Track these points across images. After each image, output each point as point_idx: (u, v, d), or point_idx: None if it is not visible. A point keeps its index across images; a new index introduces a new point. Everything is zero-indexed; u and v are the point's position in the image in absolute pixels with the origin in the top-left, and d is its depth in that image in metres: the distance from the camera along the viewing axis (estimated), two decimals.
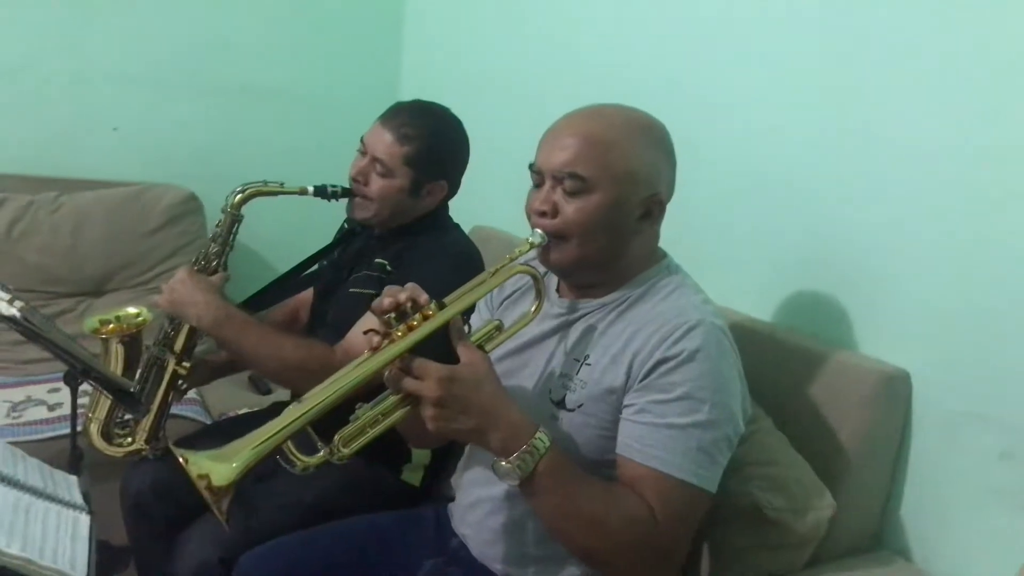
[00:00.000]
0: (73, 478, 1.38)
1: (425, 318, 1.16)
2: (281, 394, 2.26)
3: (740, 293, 1.71)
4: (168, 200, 2.70)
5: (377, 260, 1.78)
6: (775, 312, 1.69)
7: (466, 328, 1.23)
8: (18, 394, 2.34)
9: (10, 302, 1.48)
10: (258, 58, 2.92)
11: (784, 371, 1.53)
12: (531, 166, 1.30)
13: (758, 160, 1.75)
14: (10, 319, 1.48)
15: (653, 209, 1.28)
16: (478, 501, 1.38)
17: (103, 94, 2.75)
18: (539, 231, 1.27)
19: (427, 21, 3.02)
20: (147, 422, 1.77)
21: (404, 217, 1.80)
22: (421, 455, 1.81)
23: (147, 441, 1.77)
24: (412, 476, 1.82)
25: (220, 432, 2.04)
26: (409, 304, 1.17)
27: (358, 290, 1.77)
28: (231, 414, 2.32)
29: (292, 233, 2.40)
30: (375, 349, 1.15)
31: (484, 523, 1.37)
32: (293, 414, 1.10)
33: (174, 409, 1.87)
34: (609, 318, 1.29)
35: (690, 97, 1.86)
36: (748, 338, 1.42)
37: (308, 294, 2.01)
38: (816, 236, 1.63)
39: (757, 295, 1.71)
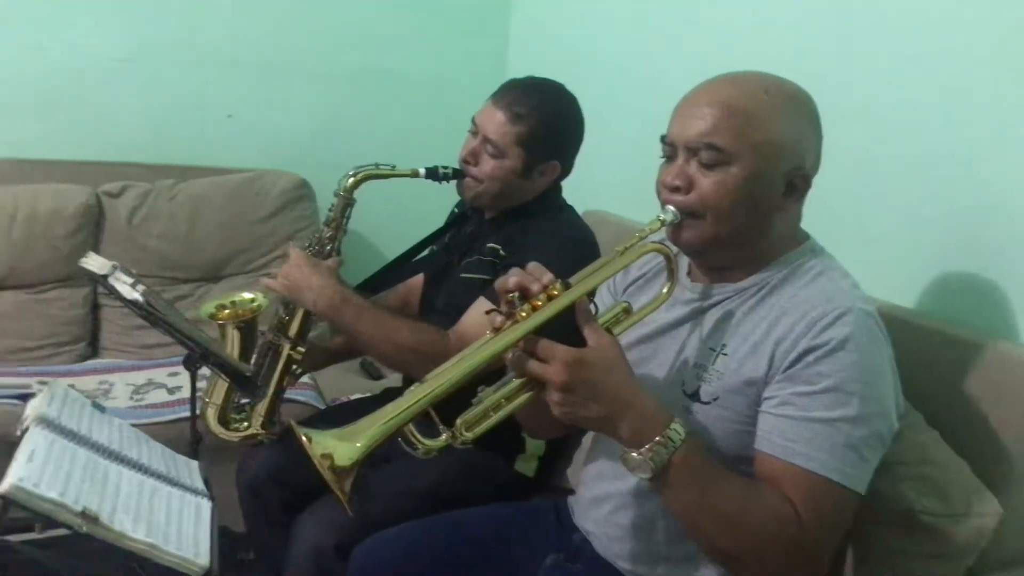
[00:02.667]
0: (194, 463, 1.39)
1: (550, 298, 1.09)
2: (393, 379, 2.24)
3: (881, 278, 1.57)
4: (281, 186, 2.72)
5: (489, 244, 1.73)
6: (922, 298, 1.55)
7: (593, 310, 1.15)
8: (140, 377, 2.40)
9: (133, 286, 1.49)
10: (368, 42, 2.91)
11: (935, 363, 1.39)
12: (663, 138, 1.22)
13: (910, 133, 1.60)
14: (133, 303, 1.49)
15: (797, 184, 1.18)
16: (604, 496, 1.31)
17: (218, 82, 2.79)
18: (671, 208, 1.18)
19: (535, 3, 2.95)
20: (263, 407, 1.77)
21: (516, 199, 1.74)
22: (535, 445, 1.76)
23: (263, 426, 1.78)
24: (526, 466, 1.77)
25: (333, 417, 2.03)
26: (534, 284, 1.10)
27: (470, 275, 1.73)
28: (343, 399, 2.32)
29: (403, 217, 2.37)
30: (498, 330, 1.09)
31: (610, 519, 1.30)
32: (416, 395, 1.05)
33: (288, 394, 1.87)
34: (748, 304, 1.20)
35: (831, 66, 1.71)
36: (892, 327, 1.30)
37: (418, 279, 1.98)
38: (973, 216, 1.48)
39: (901, 280, 1.57)
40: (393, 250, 2.00)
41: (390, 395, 1.92)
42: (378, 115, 2.95)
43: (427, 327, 1.66)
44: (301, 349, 1.77)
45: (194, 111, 2.78)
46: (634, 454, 1.07)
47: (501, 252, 1.69)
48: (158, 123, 2.75)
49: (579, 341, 1.09)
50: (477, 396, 1.10)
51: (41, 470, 1.07)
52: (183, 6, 2.70)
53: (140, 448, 1.30)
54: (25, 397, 2.14)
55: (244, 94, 2.82)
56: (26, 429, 1.16)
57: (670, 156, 1.21)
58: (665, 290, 1.20)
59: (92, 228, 2.53)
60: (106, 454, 1.21)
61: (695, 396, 1.19)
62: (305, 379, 2.17)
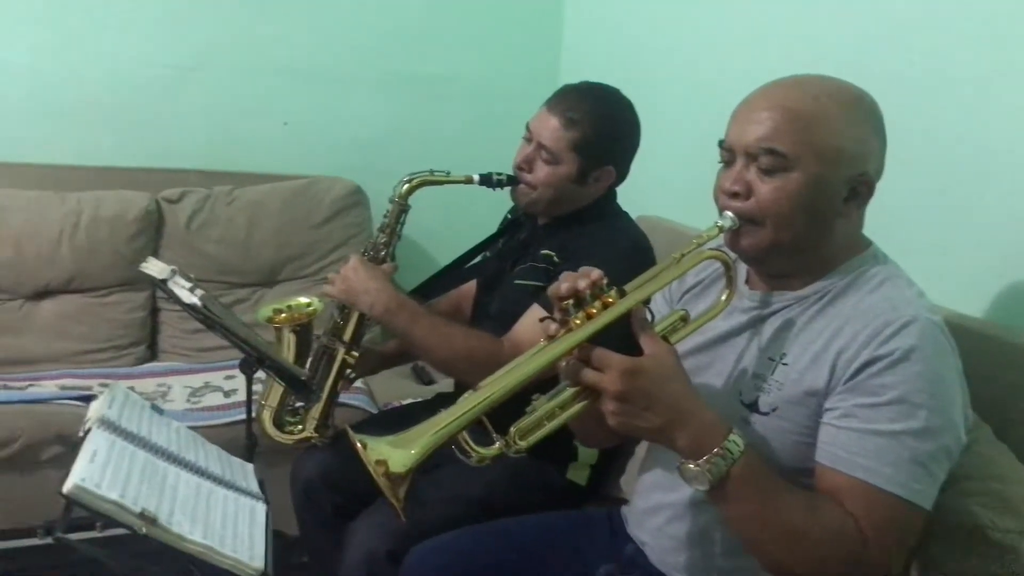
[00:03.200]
0: (249, 466, 1.40)
1: (605, 306, 1.08)
2: (444, 385, 2.25)
3: (947, 286, 1.52)
4: (335, 192, 2.75)
5: (543, 251, 1.72)
6: (990, 308, 1.50)
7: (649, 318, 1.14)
8: (197, 380, 2.44)
9: (191, 290, 1.51)
10: (422, 49, 2.93)
11: (1004, 374, 1.34)
12: (721, 143, 1.20)
13: (976, 138, 1.55)
14: (191, 307, 1.51)
15: (860, 190, 1.14)
16: (659, 506, 1.29)
17: (274, 90, 2.83)
18: (729, 214, 1.16)
19: (588, 3, 2.93)
20: (316, 410, 1.79)
21: (570, 205, 1.73)
22: (588, 454, 1.74)
23: (316, 429, 1.79)
24: (578, 475, 1.76)
25: (386, 421, 2.05)
26: (588, 290, 1.09)
27: (523, 282, 1.72)
28: (395, 404, 2.33)
29: (456, 223, 2.38)
30: (552, 337, 1.08)
31: (665, 530, 1.28)
32: (470, 402, 1.04)
33: (342, 398, 1.88)
34: (808, 313, 1.17)
35: (894, 69, 1.67)
36: (959, 337, 1.25)
37: (471, 285, 1.98)
38: None
39: (968, 289, 1.52)
40: (446, 256, 2.01)
41: (442, 400, 1.93)
42: (432, 122, 2.97)
43: (480, 333, 1.66)
44: (355, 353, 1.78)
45: (251, 119, 2.83)
46: (691, 466, 1.05)
47: (555, 259, 1.68)
48: (216, 131, 2.80)
49: (634, 349, 1.07)
50: (531, 405, 1.09)
51: (102, 471, 1.09)
52: (242, 16, 2.75)
53: (197, 450, 1.32)
54: (87, 399, 2.19)
55: (300, 102, 2.86)
56: (88, 430, 1.18)
57: (728, 161, 1.19)
58: (724, 298, 1.18)
59: (152, 233, 2.59)
60: (164, 456, 1.23)
61: (753, 407, 1.17)
62: (358, 383, 2.18)
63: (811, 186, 1.11)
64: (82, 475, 1.05)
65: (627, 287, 1.11)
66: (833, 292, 1.16)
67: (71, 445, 1.19)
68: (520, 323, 1.64)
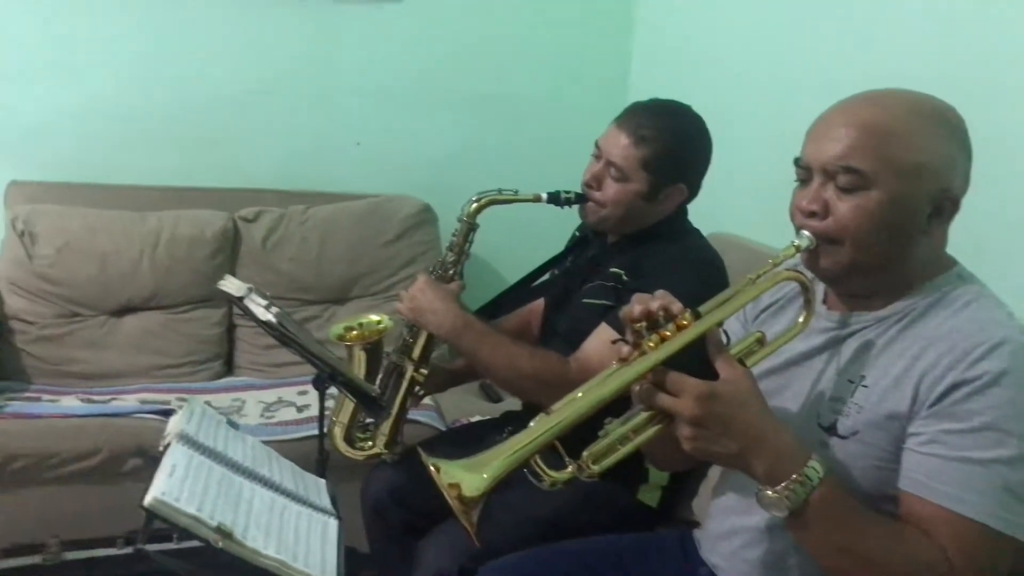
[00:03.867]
0: (322, 481, 1.42)
1: (679, 328, 1.06)
2: (511, 403, 2.24)
3: None
4: (405, 211, 2.78)
5: (612, 269, 1.70)
6: None
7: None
8: (270, 395, 2.49)
9: (267, 308, 1.54)
10: (490, 68, 2.95)
11: None
12: (796, 161, 1.17)
13: None
14: (267, 324, 1.54)
15: (944, 207, 1.11)
16: (733, 530, 1.26)
17: (346, 111, 2.88)
18: (806, 233, 1.13)
19: (658, 20, 2.92)
20: (386, 427, 1.80)
21: (640, 223, 1.72)
22: (659, 475, 1.72)
23: (386, 445, 1.81)
24: (649, 496, 1.73)
25: (454, 439, 2.06)
26: (661, 313, 1.07)
27: (592, 300, 1.71)
28: (463, 421, 2.34)
29: (523, 242, 2.38)
30: (625, 360, 1.07)
31: (740, 554, 1.25)
32: (543, 427, 1.03)
33: (410, 414, 1.89)
34: (889, 334, 1.13)
35: (978, 82, 1.61)
36: None
37: (539, 304, 1.98)
38: None
39: None
40: (514, 274, 2.01)
41: (510, 419, 1.93)
42: (500, 141, 2.99)
43: (548, 353, 1.66)
44: (424, 371, 1.79)
45: (324, 139, 2.89)
46: (769, 492, 1.02)
47: (624, 277, 1.67)
48: (291, 151, 2.86)
49: (709, 372, 1.05)
50: (604, 429, 1.08)
51: (181, 485, 1.11)
52: (316, 40, 2.81)
53: (271, 465, 1.34)
54: (166, 413, 2.25)
55: (371, 122, 2.90)
56: (168, 445, 1.21)
57: (804, 179, 1.16)
58: (801, 319, 1.15)
59: (229, 252, 2.65)
60: (240, 471, 1.25)
61: (832, 430, 1.14)
62: (426, 400, 2.20)
63: (891, 204, 1.08)
64: (162, 489, 1.08)
65: (701, 308, 1.09)
66: (915, 313, 1.13)
67: (151, 459, 1.22)
68: (588, 343, 1.63)
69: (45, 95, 2.64)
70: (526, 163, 2.87)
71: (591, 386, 1.06)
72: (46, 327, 2.49)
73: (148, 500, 1.06)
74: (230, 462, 1.25)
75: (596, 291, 1.71)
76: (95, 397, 2.38)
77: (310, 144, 2.88)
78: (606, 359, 1.48)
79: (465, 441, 1.96)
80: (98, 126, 2.70)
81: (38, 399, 2.34)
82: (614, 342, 1.10)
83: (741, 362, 1.09)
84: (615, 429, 1.07)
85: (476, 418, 2.33)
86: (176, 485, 1.10)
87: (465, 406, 2.46)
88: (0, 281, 2.51)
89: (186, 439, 1.22)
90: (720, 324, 1.10)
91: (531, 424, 1.05)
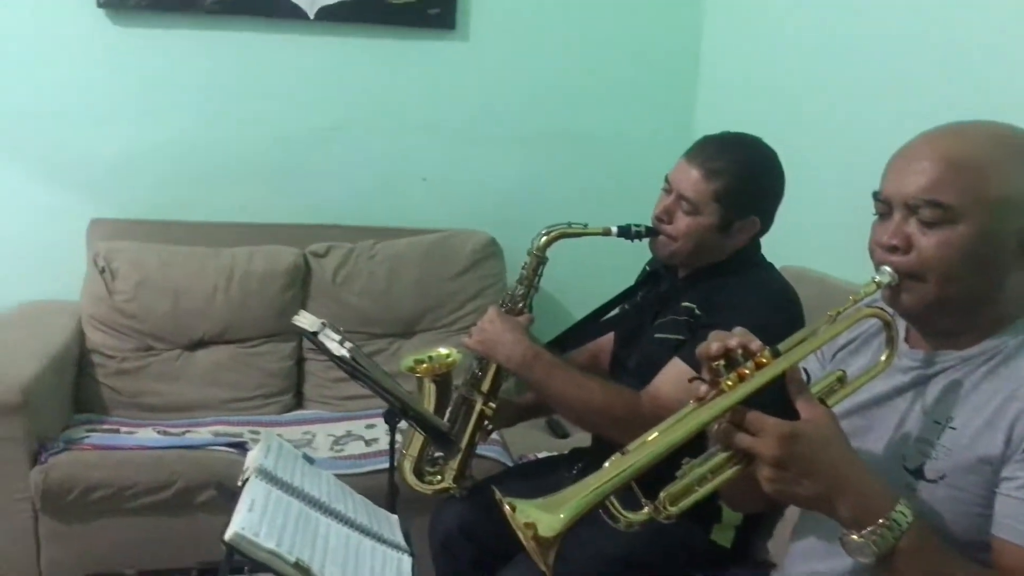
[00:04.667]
0: (394, 517, 1.42)
1: (758, 367, 1.05)
2: (579, 439, 2.23)
3: None
4: (471, 245, 2.81)
5: (684, 303, 1.68)
6: None
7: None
8: (339, 428, 2.51)
9: (340, 343, 1.56)
10: (555, 104, 2.98)
11: None
12: (875, 194, 1.15)
13: None
14: (340, 359, 1.56)
15: None
16: (814, 575, 1.22)
17: (413, 147, 2.93)
18: (887, 269, 1.11)
19: (724, 52, 2.92)
20: (455, 461, 1.80)
21: (712, 256, 1.70)
22: (733, 515, 1.68)
23: (455, 480, 1.80)
24: (723, 536, 1.69)
25: (522, 474, 2.05)
26: (740, 351, 1.06)
27: (663, 335, 1.69)
28: (530, 457, 2.32)
29: (592, 275, 2.38)
30: (702, 399, 1.05)
31: None
32: (619, 467, 1.02)
33: (478, 449, 1.89)
34: (978, 374, 1.09)
35: None
36: None
37: (609, 338, 1.96)
38: None
39: None
40: (583, 308, 2.00)
41: (579, 455, 1.92)
42: (565, 175, 3.00)
43: (619, 388, 1.64)
44: (493, 405, 1.79)
45: (392, 175, 2.94)
46: (855, 536, 0.99)
47: (696, 311, 1.65)
48: (359, 187, 2.92)
49: (789, 412, 1.03)
50: (681, 469, 1.06)
51: (260, 520, 1.13)
52: (382, 78, 2.87)
53: (346, 501, 1.35)
54: (238, 445, 2.30)
55: (437, 158, 2.95)
56: (247, 479, 1.22)
57: (884, 213, 1.14)
58: (884, 358, 1.12)
59: (300, 286, 2.70)
60: (316, 506, 1.26)
61: (919, 473, 1.10)
62: (493, 435, 2.19)
63: (978, 239, 1.05)
64: (242, 524, 1.09)
65: (780, 346, 1.07)
66: (1005, 352, 1.09)
67: (228, 492, 1.24)
68: (661, 378, 1.61)
69: (125, 136, 2.75)
70: (591, 197, 2.88)
71: (668, 426, 1.05)
72: (124, 360, 2.57)
73: (229, 535, 1.08)
74: (307, 497, 1.26)
75: (668, 326, 1.69)
76: (170, 429, 2.43)
77: (378, 180, 2.93)
78: (679, 394, 1.46)
79: (533, 477, 1.96)
80: (174, 165, 2.79)
81: (116, 431, 2.41)
82: (691, 380, 1.09)
83: (822, 401, 1.07)
84: (693, 469, 1.06)
85: (543, 454, 2.32)
86: (255, 520, 1.12)
87: (531, 441, 2.45)
88: (82, 316, 2.60)
89: (264, 474, 1.24)
90: (799, 362, 1.08)
91: (606, 464, 1.04)
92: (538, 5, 2.91)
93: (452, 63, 2.89)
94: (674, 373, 1.58)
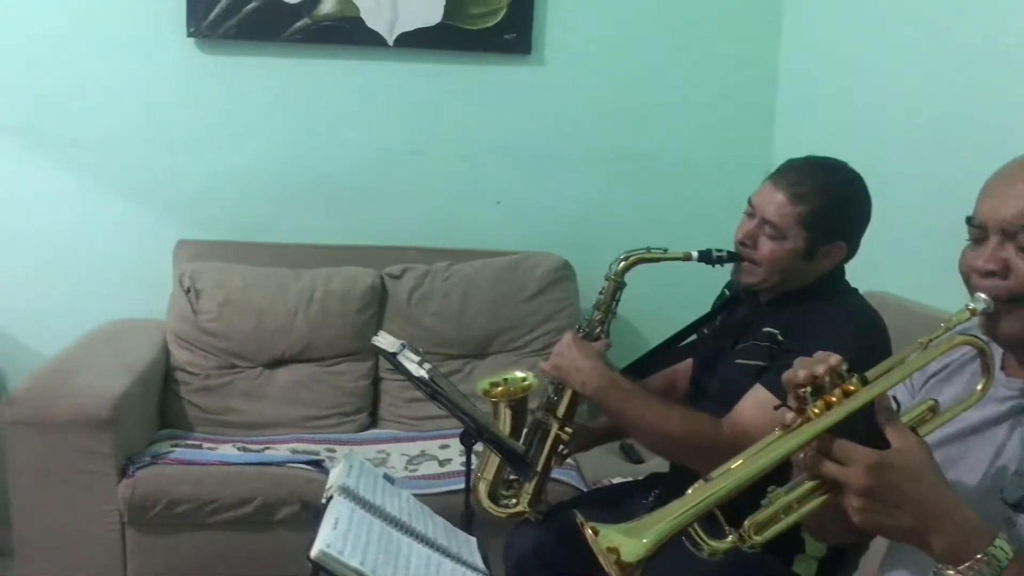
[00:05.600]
0: (473, 539, 1.43)
1: (846, 394, 1.02)
2: (654, 464, 2.21)
3: None
4: (544, 268, 2.82)
5: (765, 329, 1.66)
6: None
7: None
8: (413, 448, 2.54)
9: (420, 364, 1.58)
10: (629, 126, 2.97)
11: None
12: (969, 219, 1.12)
13: None
14: (420, 380, 1.58)
15: None
16: None
17: (487, 171, 2.96)
18: (983, 296, 1.07)
19: (804, 72, 2.87)
20: (530, 485, 1.79)
21: (796, 282, 1.68)
22: (816, 546, 1.63)
23: (530, 504, 1.80)
24: (805, 568, 1.65)
25: (596, 500, 2.03)
26: (827, 377, 1.04)
27: (745, 361, 1.67)
28: (604, 482, 2.31)
29: (669, 300, 2.36)
30: (787, 427, 1.03)
31: None
32: (703, 493, 1.01)
33: (553, 473, 1.88)
34: None
35: None
36: None
37: (687, 364, 1.94)
38: None
39: None
40: (660, 333, 1.98)
41: (656, 481, 1.90)
42: (639, 198, 2.99)
43: (699, 415, 1.62)
44: (569, 430, 1.78)
45: (466, 198, 2.97)
46: (950, 572, 0.96)
47: (779, 337, 1.62)
48: (435, 210, 2.96)
49: (879, 441, 1.00)
50: (767, 497, 1.04)
51: (344, 538, 1.14)
52: (459, 103, 2.91)
53: (426, 521, 1.36)
54: (317, 463, 2.34)
55: (511, 181, 2.97)
56: (330, 497, 1.25)
57: (978, 239, 1.11)
58: (980, 387, 1.08)
59: (377, 307, 2.75)
60: (397, 526, 1.28)
61: (1018, 507, 1.06)
62: (568, 459, 2.18)
63: None
64: (327, 541, 1.11)
65: (869, 374, 1.05)
66: None
67: (313, 510, 1.26)
68: (742, 404, 1.59)
69: (210, 160, 2.85)
70: (665, 220, 2.87)
71: (753, 453, 1.03)
72: (207, 378, 2.64)
73: (315, 552, 1.10)
74: (388, 516, 1.27)
75: (749, 351, 1.67)
76: (250, 446, 2.49)
77: (453, 202, 2.96)
78: (762, 422, 1.44)
79: (608, 502, 1.94)
80: (257, 188, 2.88)
81: (199, 446, 2.47)
82: (777, 408, 1.07)
83: (913, 430, 1.04)
84: (779, 498, 1.03)
85: (617, 479, 2.30)
86: (340, 538, 1.13)
87: (605, 466, 2.43)
88: (167, 334, 2.69)
89: (347, 492, 1.26)
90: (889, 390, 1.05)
91: (689, 491, 1.02)
92: (613, 28, 2.92)
93: (528, 87, 2.92)
94: (756, 400, 1.55)
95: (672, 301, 2.26)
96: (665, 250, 1.75)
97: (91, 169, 2.80)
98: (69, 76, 2.74)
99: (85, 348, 2.58)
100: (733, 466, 1.03)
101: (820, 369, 1.04)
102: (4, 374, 2.82)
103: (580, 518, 1.02)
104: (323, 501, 1.26)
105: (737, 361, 1.68)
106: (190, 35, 2.75)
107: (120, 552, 2.26)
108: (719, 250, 1.71)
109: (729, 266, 1.76)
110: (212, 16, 2.72)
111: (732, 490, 1.01)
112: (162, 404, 2.62)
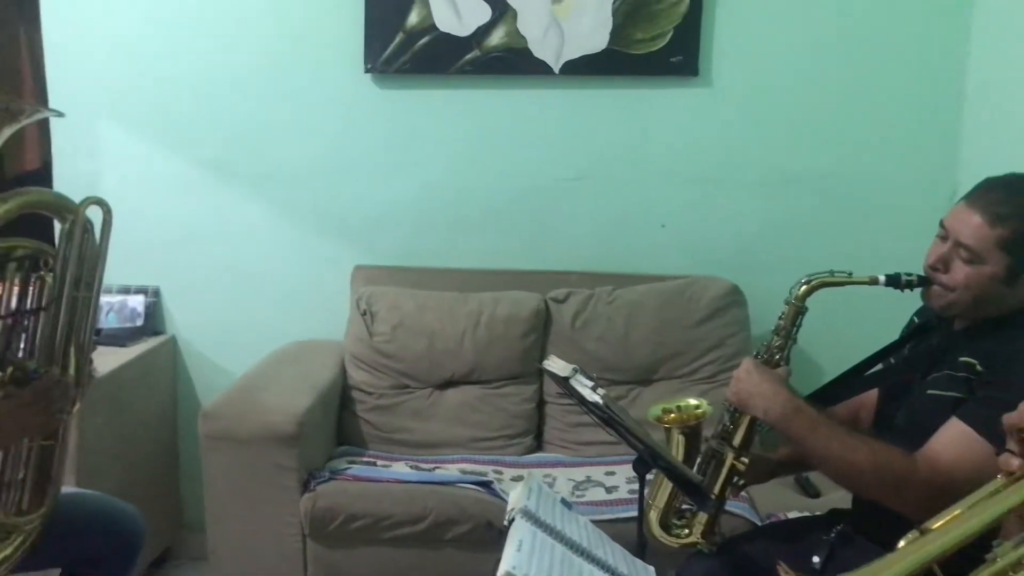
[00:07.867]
0: (651, 568, 1.41)
1: None
2: (836, 499, 2.09)
3: None
4: (713, 292, 2.75)
5: (962, 359, 1.55)
6: None
7: None
8: (579, 474, 2.53)
9: (593, 389, 1.58)
10: (800, 146, 2.87)
11: None
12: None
13: None
14: (594, 405, 1.58)
15: None
16: None
17: (653, 194, 2.93)
18: None
19: (995, 87, 2.67)
20: (704, 515, 1.75)
21: (994, 308, 1.56)
22: None
23: (703, 535, 1.75)
24: None
25: (773, 534, 1.96)
26: None
27: (937, 392, 1.57)
28: (780, 516, 2.22)
29: (851, 327, 2.25)
30: (1012, 474, 0.95)
31: None
32: (920, 548, 0.92)
33: (726, 505, 1.83)
34: None
35: None
36: None
37: (871, 394, 1.84)
38: None
39: None
40: (839, 361, 1.90)
41: (837, 517, 1.80)
42: (811, 220, 2.88)
43: (890, 449, 1.54)
44: (745, 459, 1.73)
45: (631, 222, 2.95)
46: None
47: (978, 368, 1.51)
48: (599, 234, 2.96)
49: None
50: (993, 551, 0.96)
51: (528, 560, 1.15)
52: (627, 126, 2.90)
53: (604, 547, 1.36)
54: (485, 484, 2.38)
55: (677, 204, 2.93)
56: (512, 520, 1.26)
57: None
58: None
59: (541, 331, 2.77)
60: (577, 550, 1.28)
61: None
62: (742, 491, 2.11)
63: None
64: (513, 563, 1.12)
65: None
66: None
67: (496, 531, 1.28)
68: (939, 439, 1.49)
69: (385, 189, 2.97)
70: (838, 243, 2.76)
71: (974, 503, 0.95)
72: (381, 397, 2.75)
73: (501, 573, 1.11)
74: (568, 541, 1.28)
75: (942, 382, 1.57)
76: (422, 465, 2.57)
77: (618, 227, 2.95)
78: (961, 459, 1.35)
79: (786, 537, 1.86)
80: (429, 215, 2.97)
81: (373, 463, 2.57)
82: (998, 454, 0.99)
83: None
84: (1007, 553, 0.94)
85: (793, 513, 2.21)
86: (524, 560, 1.14)
87: (780, 499, 2.34)
88: (345, 355, 2.81)
89: (528, 515, 1.27)
90: None
91: (900, 543, 0.95)
92: (781, 47, 2.83)
93: (695, 109, 2.88)
94: (955, 435, 1.46)
95: (851, 328, 2.16)
96: (849, 274, 1.67)
97: (277, 200, 2.99)
98: (259, 114, 2.95)
99: (271, 367, 2.74)
100: (952, 516, 0.95)
101: None
102: (198, 390, 3.04)
103: (784, 569, 0.98)
104: (505, 523, 1.27)
105: (929, 392, 1.58)
106: (367, 71, 2.88)
107: (301, 564, 2.37)
108: (909, 275, 1.62)
109: (913, 293, 1.66)
110: (387, 52, 2.85)
111: (955, 546, 0.93)
112: (340, 421, 2.74)
